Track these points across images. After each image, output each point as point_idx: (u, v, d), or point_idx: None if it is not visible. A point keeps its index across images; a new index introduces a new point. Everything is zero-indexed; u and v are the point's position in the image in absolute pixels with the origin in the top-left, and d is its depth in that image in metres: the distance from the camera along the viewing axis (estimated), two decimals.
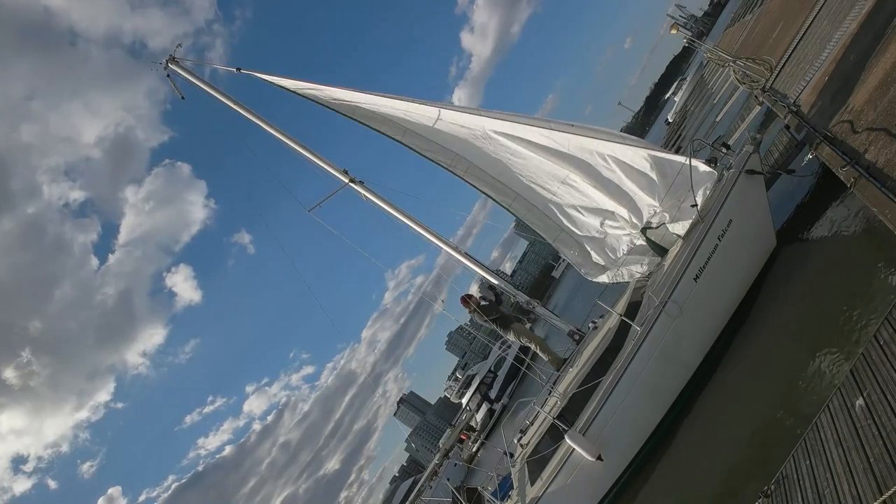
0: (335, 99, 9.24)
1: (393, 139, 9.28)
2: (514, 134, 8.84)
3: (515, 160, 9.08)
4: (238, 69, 9.46)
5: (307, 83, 9.34)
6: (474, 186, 9.45)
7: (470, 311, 9.80)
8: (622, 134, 9.24)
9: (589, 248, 9.41)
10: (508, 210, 9.62)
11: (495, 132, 8.92)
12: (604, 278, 9.55)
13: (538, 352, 9.62)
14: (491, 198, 9.61)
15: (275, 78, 9.49)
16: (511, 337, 9.85)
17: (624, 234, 8.99)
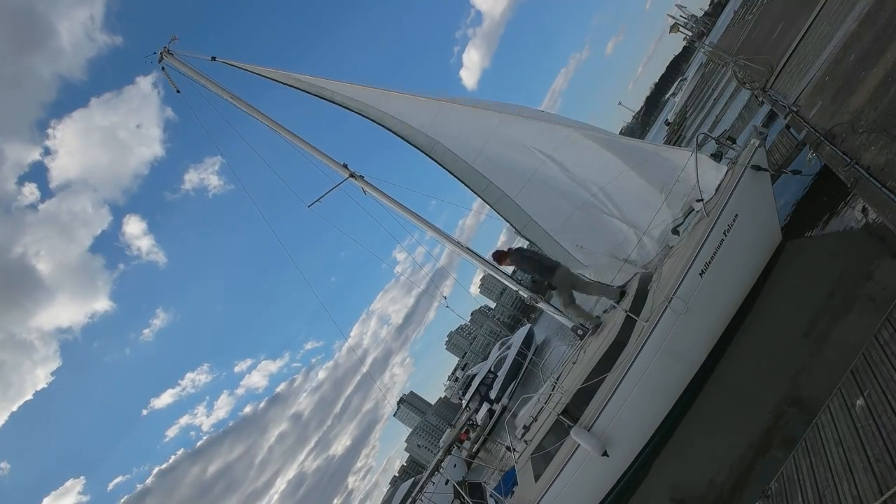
0: (315, 85, 9.18)
1: (371, 120, 9.21)
2: (493, 123, 8.79)
3: (491, 147, 8.96)
4: (213, 58, 9.27)
5: (285, 72, 9.21)
6: (449, 171, 9.37)
7: (508, 263, 9.15)
8: (621, 136, 9.23)
9: (564, 243, 9.40)
10: (481, 196, 9.49)
11: (471, 116, 8.88)
12: (588, 273, 9.54)
13: (591, 293, 8.92)
14: (462, 182, 9.49)
15: (251, 66, 9.27)
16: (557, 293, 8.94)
17: (617, 229, 8.97)
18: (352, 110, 9.19)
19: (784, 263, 7.23)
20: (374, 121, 9.20)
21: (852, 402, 3.85)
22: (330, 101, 9.19)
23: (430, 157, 9.30)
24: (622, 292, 8.39)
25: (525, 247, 9.49)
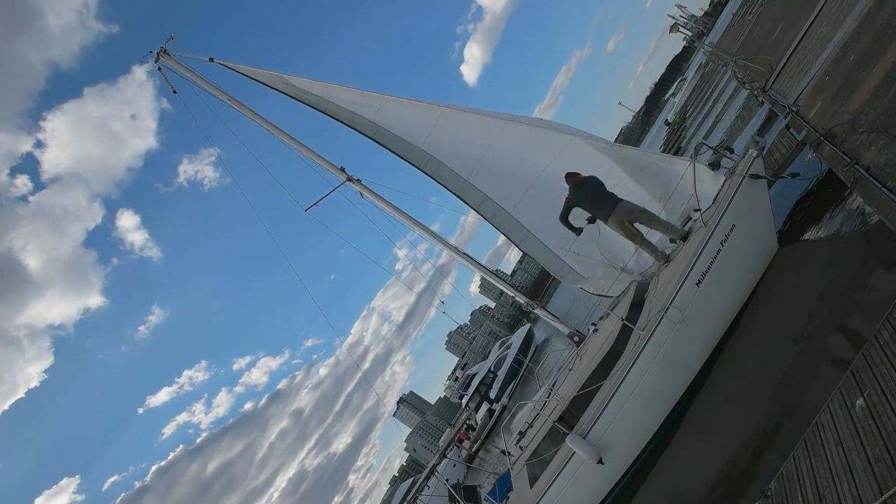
0: (308, 93, 9.14)
1: (365, 136, 9.19)
2: (491, 134, 8.74)
3: (488, 159, 8.93)
4: (210, 59, 9.22)
5: (282, 75, 9.19)
6: (445, 187, 9.36)
7: (570, 182, 8.21)
8: (618, 144, 9.21)
9: (561, 255, 9.37)
10: (477, 210, 9.48)
11: (466, 126, 8.85)
12: (585, 286, 9.53)
13: (639, 245, 8.20)
14: (459, 197, 9.47)
15: (250, 69, 9.22)
16: (611, 225, 8.06)
17: (615, 238, 8.94)
18: (344, 123, 9.15)
19: (783, 264, 7.21)
20: (367, 136, 9.16)
21: (852, 402, 3.84)
22: (323, 112, 9.15)
23: (423, 171, 9.28)
24: (686, 234, 7.73)
25: (591, 178, 8.17)
